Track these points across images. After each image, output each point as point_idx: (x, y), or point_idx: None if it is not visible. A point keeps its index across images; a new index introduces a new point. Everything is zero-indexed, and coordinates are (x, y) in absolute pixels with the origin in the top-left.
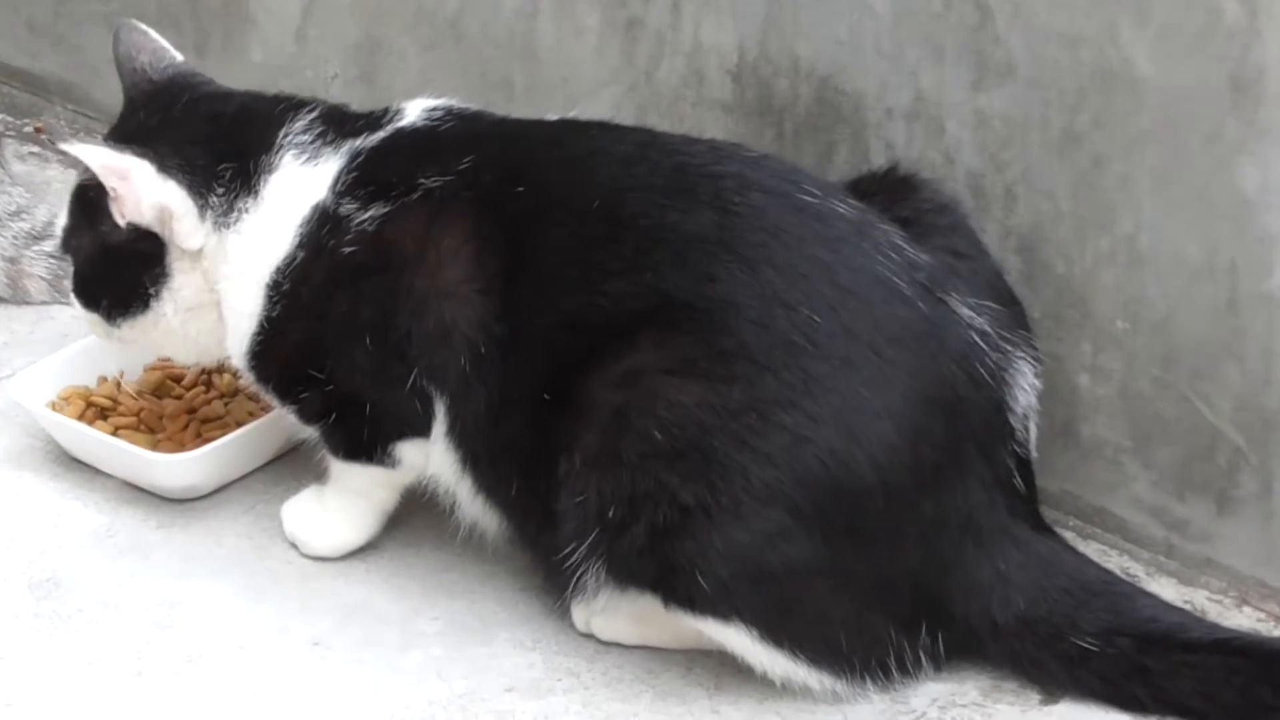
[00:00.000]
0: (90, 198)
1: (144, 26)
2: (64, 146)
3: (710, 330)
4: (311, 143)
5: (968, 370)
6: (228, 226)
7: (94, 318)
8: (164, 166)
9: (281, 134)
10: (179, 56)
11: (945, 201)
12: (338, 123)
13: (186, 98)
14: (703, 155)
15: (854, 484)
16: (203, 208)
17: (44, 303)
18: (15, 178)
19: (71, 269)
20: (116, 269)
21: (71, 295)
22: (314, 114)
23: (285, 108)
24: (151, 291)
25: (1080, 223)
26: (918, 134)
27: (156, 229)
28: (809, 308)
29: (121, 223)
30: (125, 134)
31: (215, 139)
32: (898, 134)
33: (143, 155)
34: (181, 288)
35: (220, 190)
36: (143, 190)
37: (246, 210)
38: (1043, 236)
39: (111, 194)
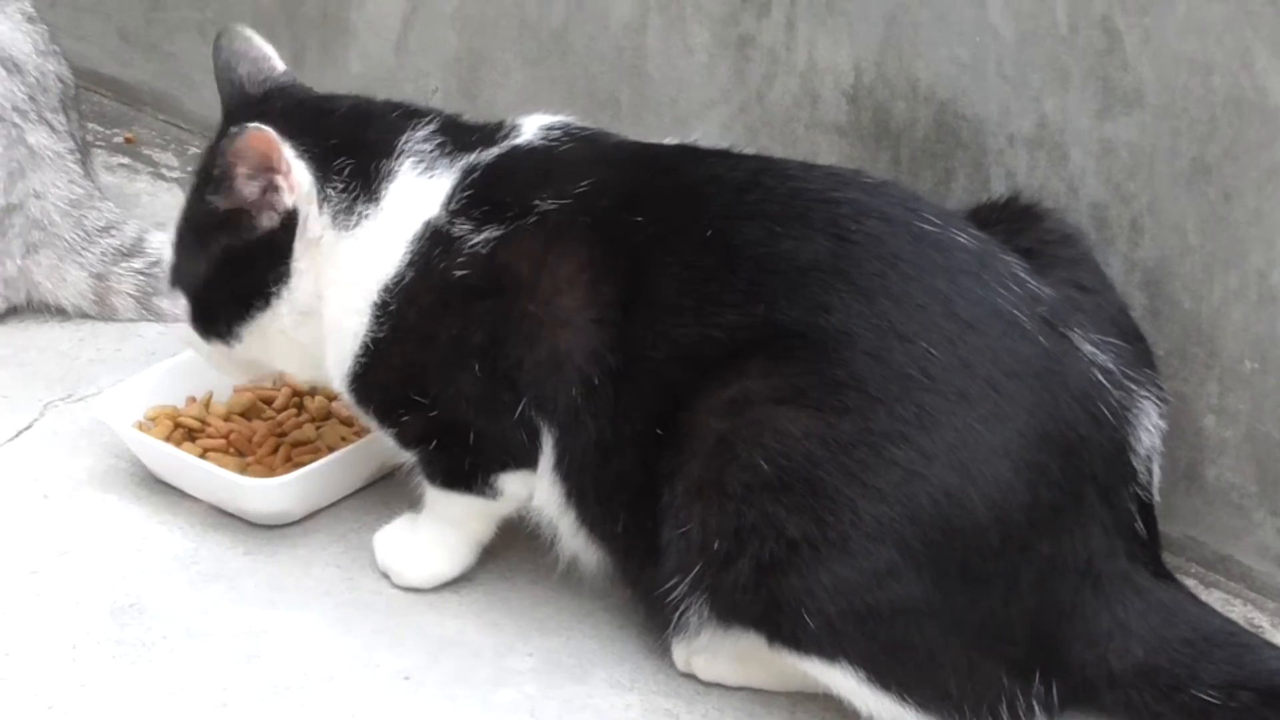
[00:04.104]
0: (209, 212)
1: (248, 33)
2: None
3: (823, 360)
4: (430, 153)
5: (1089, 409)
6: (345, 228)
7: (213, 346)
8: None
9: (403, 139)
10: (280, 66)
11: (1069, 233)
12: (454, 135)
13: (289, 102)
14: (819, 181)
15: (968, 523)
16: (322, 199)
17: (131, 320)
18: (104, 190)
19: (185, 302)
20: (240, 273)
21: (189, 330)
22: (433, 124)
23: (403, 113)
24: (272, 289)
25: (1209, 258)
26: (1040, 162)
27: (303, 207)
28: (926, 340)
29: (289, 200)
30: None
31: (329, 133)
32: (1019, 162)
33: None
34: (297, 288)
35: (339, 185)
36: (294, 163)
37: (366, 216)
38: (1169, 271)
39: (283, 167)
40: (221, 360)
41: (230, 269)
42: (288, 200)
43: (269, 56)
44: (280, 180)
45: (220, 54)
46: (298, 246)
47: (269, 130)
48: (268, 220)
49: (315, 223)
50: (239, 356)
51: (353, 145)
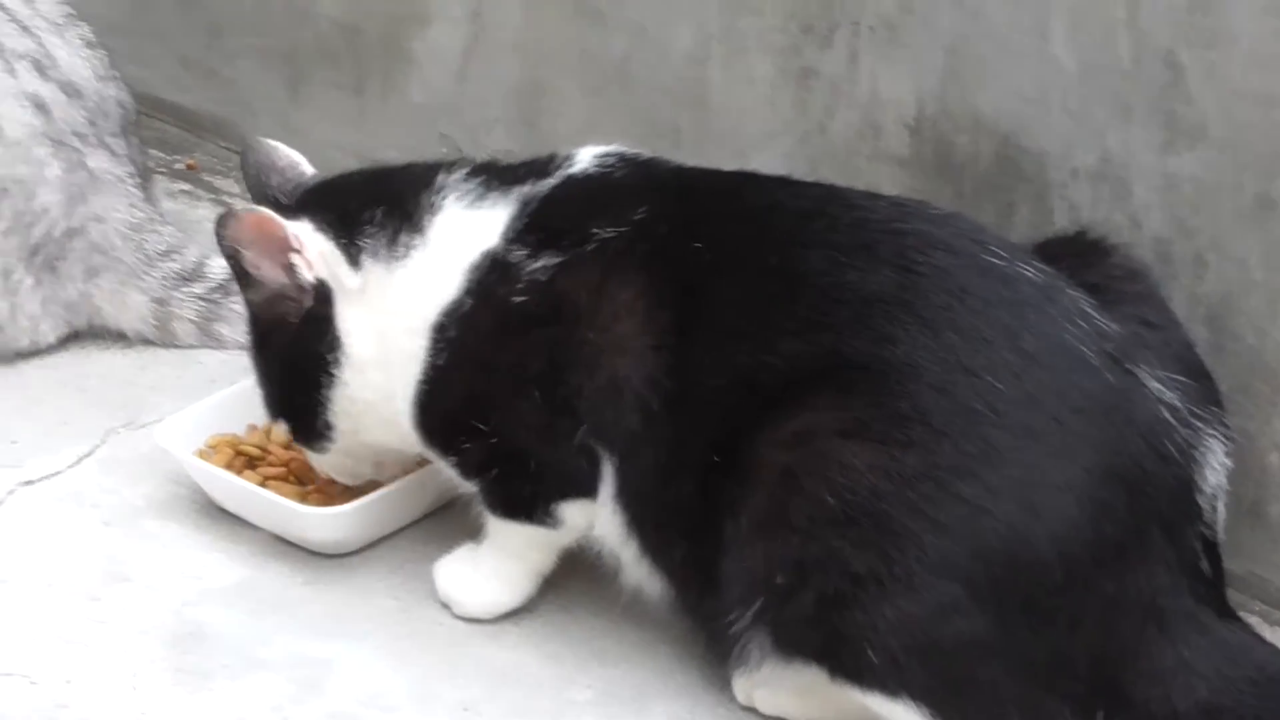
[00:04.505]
0: (255, 320)
1: (272, 143)
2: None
3: (887, 393)
4: (476, 187)
5: (1155, 446)
6: (393, 260)
7: (328, 454)
8: (287, 215)
9: (439, 178)
10: (309, 170)
11: (1136, 268)
12: (498, 171)
13: (307, 189)
14: (885, 212)
15: (1032, 559)
16: (353, 250)
17: (192, 346)
18: (165, 216)
19: (285, 426)
20: (300, 362)
21: (305, 452)
22: (467, 167)
23: (431, 164)
24: (329, 358)
25: (1273, 293)
26: (1103, 196)
27: (325, 273)
28: (991, 373)
29: (310, 275)
30: None
31: (345, 195)
32: (1082, 195)
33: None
34: (351, 348)
35: (370, 230)
36: (289, 230)
37: (414, 246)
38: (1233, 307)
39: (292, 241)
40: (343, 463)
41: (293, 364)
42: (308, 275)
43: (297, 163)
44: (294, 257)
45: (249, 168)
46: (339, 308)
47: (260, 209)
48: (304, 299)
49: (350, 276)
50: (349, 449)
51: (377, 196)
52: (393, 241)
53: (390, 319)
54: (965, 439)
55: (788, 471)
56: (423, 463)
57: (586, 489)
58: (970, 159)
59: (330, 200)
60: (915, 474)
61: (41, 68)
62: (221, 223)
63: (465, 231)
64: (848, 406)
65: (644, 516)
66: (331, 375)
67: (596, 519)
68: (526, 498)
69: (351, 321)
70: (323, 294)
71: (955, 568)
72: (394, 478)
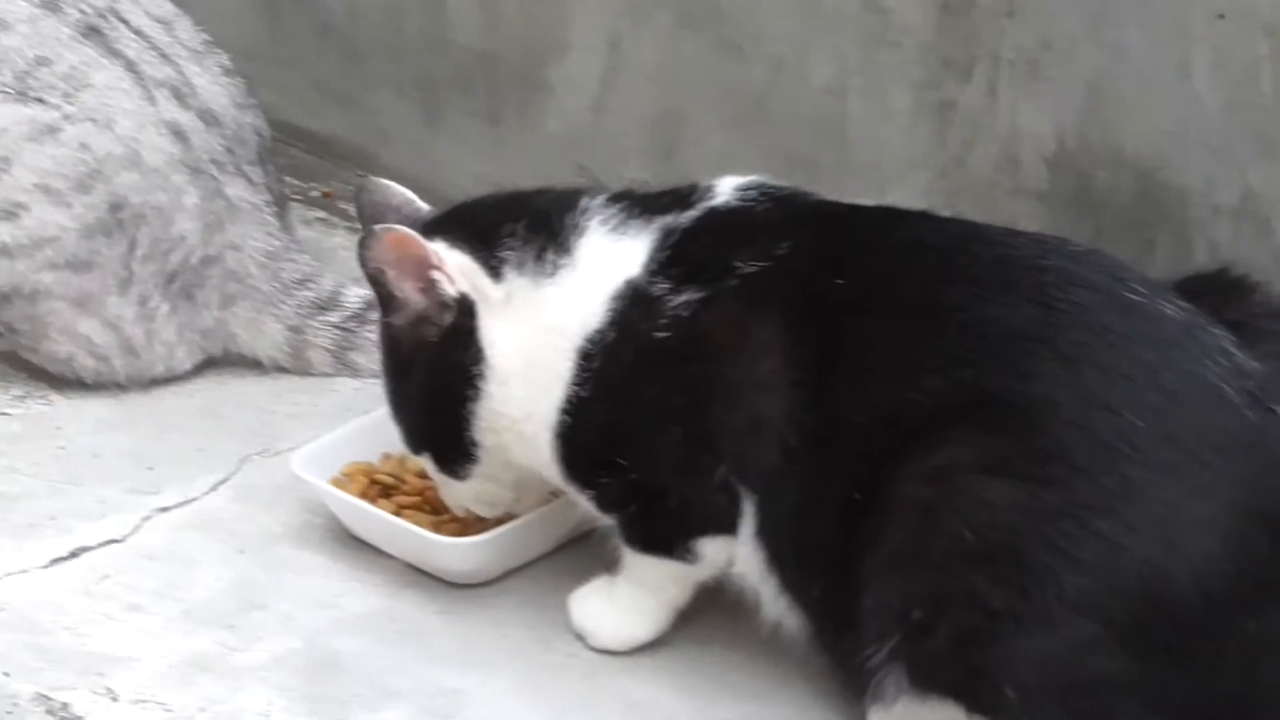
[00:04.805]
0: (396, 341)
1: (385, 183)
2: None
3: (1027, 429)
4: (618, 214)
5: None
6: (542, 275)
7: (473, 480)
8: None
9: (582, 201)
10: (424, 207)
11: (1277, 306)
12: (638, 200)
13: (432, 217)
14: (1025, 248)
15: (1171, 597)
16: (495, 261)
17: (327, 375)
18: (301, 244)
19: (428, 458)
20: (444, 379)
21: (452, 489)
22: (605, 194)
23: (569, 189)
24: (474, 371)
25: None
26: (1245, 234)
27: (466, 287)
28: (1131, 411)
29: (452, 290)
30: None
31: (483, 215)
32: (1223, 232)
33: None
34: (494, 360)
35: (513, 244)
36: (429, 247)
37: (562, 266)
38: None
39: (431, 258)
40: (484, 490)
41: (436, 382)
42: (450, 290)
43: (411, 200)
44: (434, 273)
45: (364, 209)
46: (483, 320)
47: (400, 227)
48: (446, 316)
49: (494, 288)
50: (492, 471)
51: (515, 213)
52: (539, 258)
53: (537, 334)
54: (1105, 476)
55: (927, 507)
56: (559, 493)
57: (726, 525)
58: (1110, 194)
59: (464, 220)
60: (1055, 511)
61: (181, 95)
62: (363, 244)
63: (609, 258)
64: (988, 443)
65: (784, 553)
66: (476, 388)
67: (736, 555)
68: (666, 533)
69: (496, 333)
70: (465, 307)
71: (1094, 605)
72: (529, 510)
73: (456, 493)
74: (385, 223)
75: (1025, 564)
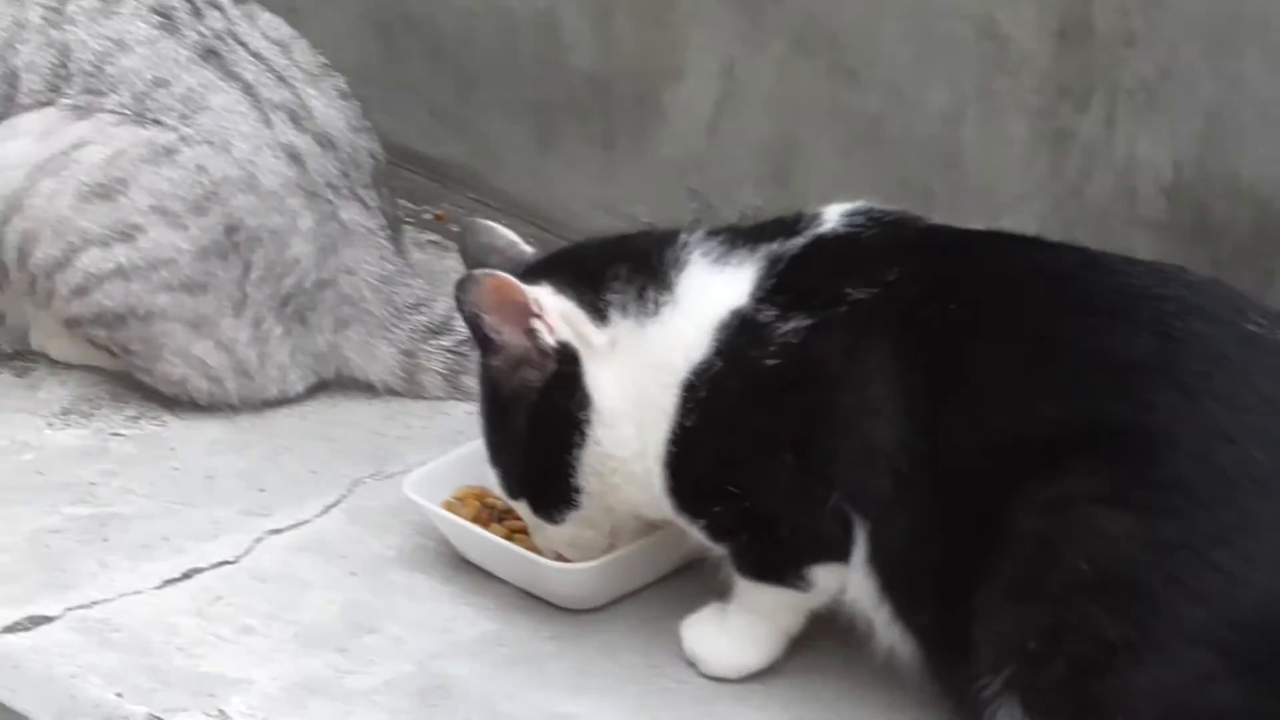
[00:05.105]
0: (496, 385)
1: (489, 224)
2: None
3: (1145, 460)
4: (720, 245)
5: None
6: (644, 315)
7: (568, 524)
8: (525, 281)
9: (682, 236)
10: (528, 249)
11: None
12: (740, 231)
13: (533, 261)
14: (1144, 277)
15: None
16: (592, 302)
17: (439, 398)
18: (414, 267)
19: (524, 505)
20: (549, 424)
21: (546, 532)
22: (704, 229)
23: (669, 229)
24: (581, 417)
25: None
26: None
27: (568, 335)
28: (1251, 443)
29: (551, 339)
30: None
31: (587, 256)
32: None
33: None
34: (602, 403)
35: (615, 286)
36: (529, 295)
37: (663, 303)
38: None
39: (534, 306)
40: (580, 535)
41: (539, 428)
42: (549, 339)
43: (515, 242)
44: (534, 321)
45: (468, 249)
46: (587, 365)
47: (499, 273)
48: (548, 363)
49: (597, 334)
50: (591, 516)
51: (619, 255)
52: (641, 297)
53: (643, 373)
54: (1223, 507)
55: (1043, 538)
56: (655, 529)
57: (839, 553)
58: (1228, 225)
59: (568, 264)
60: (1172, 542)
61: (297, 119)
62: (461, 287)
63: (713, 289)
64: (1105, 473)
65: (896, 580)
66: (583, 434)
67: (848, 582)
68: (778, 561)
69: (601, 378)
70: (567, 355)
71: (1211, 637)
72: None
73: (550, 537)
74: (488, 264)
75: (1142, 595)
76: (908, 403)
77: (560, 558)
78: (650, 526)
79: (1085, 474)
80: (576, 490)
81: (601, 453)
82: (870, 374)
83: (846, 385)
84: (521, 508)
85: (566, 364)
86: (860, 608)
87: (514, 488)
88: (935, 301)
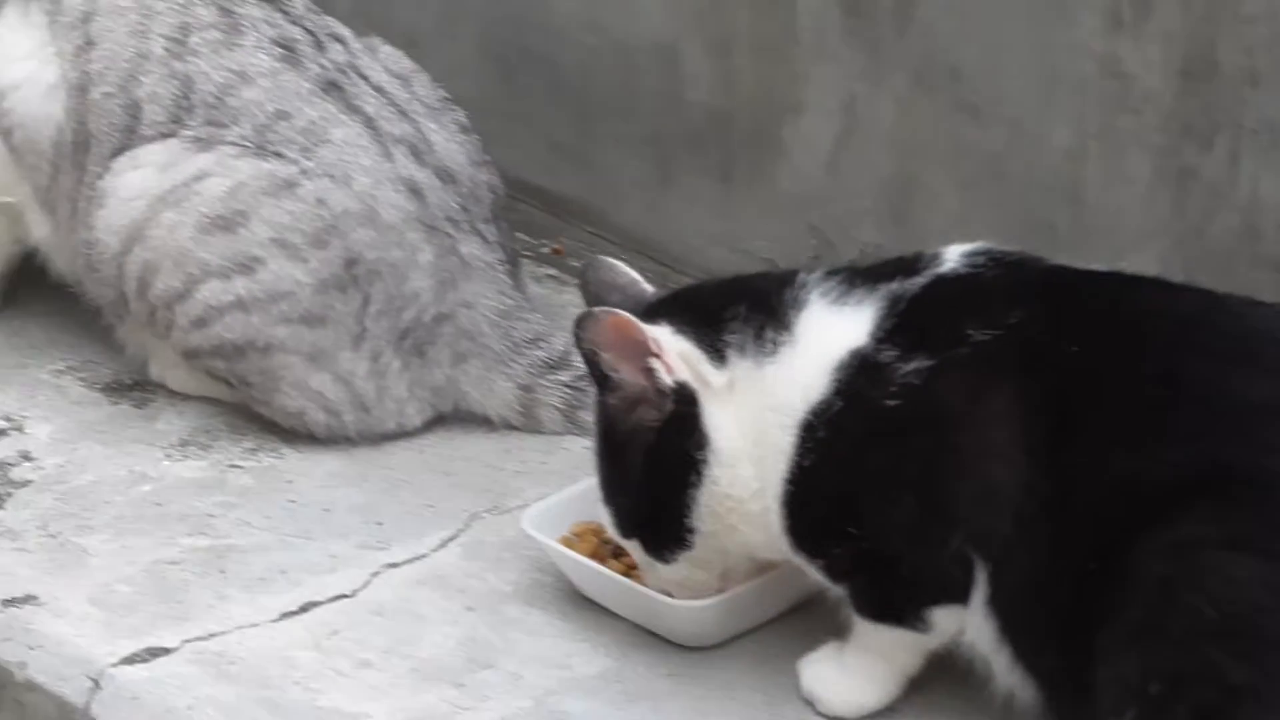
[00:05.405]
0: (611, 421)
1: (612, 262)
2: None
3: (1270, 505)
4: (839, 285)
5: None
6: (762, 355)
7: (679, 563)
8: (645, 320)
9: (799, 277)
10: (649, 288)
11: None
12: (860, 271)
13: (652, 300)
14: (1268, 320)
15: None
16: (711, 343)
17: (556, 433)
18: (532, 301)
19: (635, 543)
20: (665, 464)
21: (657, 570)
22: (823, 269)
23: (787, 269)
24: (698, 456)
25: None
26: None
27: (686, 375)
28: None
29: (669, 379)
30: None
31: (706, 296)
32: None
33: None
34: (719, 444)
35: (734, 327)
36: (648, 334)
37: (782, 343)
38: None
39: (653, 345)
40: (690, 576)
41: (656, 467)
42: (667, 379)
43: (636, 280)
44: (653, 361)
45: (589, 287)
46: (705, 405)
47: (618, 311)
48: (665, 403)
49: (715, 375)
50: (703, 557)
51: (737, 295)
52: (759, 337)
53: (761, 414)
54: None
55: (1166, 581)
56: (770, 568)
57: (958, 595)
58: None
59: (687, 304)
60: None
61: (418, 153)
62: (580, 324)
63: (832, 329)
64: (1229, 518)
65: (1016, 623)
66: (700, 474)
67: (968, 624)
68: (897, 602)
69: (719, 418)
70: (685, 395)
71: None
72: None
73: (661, 577)
74: (609, 302)
75: (1266, 639)
76: (1030, 444)
77: (670, 596)
78: (761, 568)
79: (1208, 518)
80: (690, 530)
81: (719, 492)
82: (992, 416)
83: (968, 426)
84: (633, 547)
85: (684, 404)
86: (979, 650)
87: (627, 527)
88: (1057, 343)
